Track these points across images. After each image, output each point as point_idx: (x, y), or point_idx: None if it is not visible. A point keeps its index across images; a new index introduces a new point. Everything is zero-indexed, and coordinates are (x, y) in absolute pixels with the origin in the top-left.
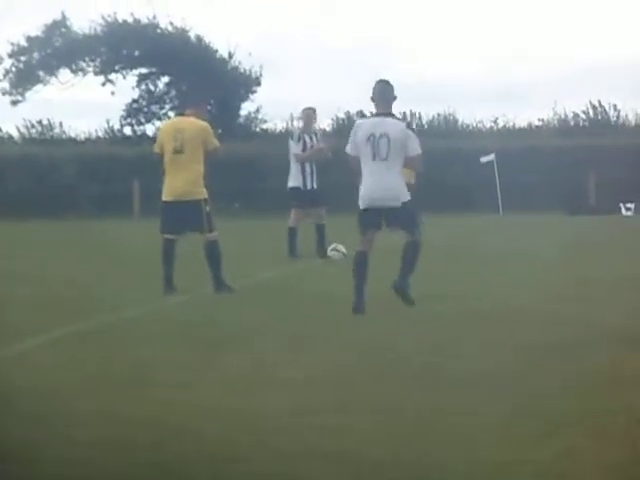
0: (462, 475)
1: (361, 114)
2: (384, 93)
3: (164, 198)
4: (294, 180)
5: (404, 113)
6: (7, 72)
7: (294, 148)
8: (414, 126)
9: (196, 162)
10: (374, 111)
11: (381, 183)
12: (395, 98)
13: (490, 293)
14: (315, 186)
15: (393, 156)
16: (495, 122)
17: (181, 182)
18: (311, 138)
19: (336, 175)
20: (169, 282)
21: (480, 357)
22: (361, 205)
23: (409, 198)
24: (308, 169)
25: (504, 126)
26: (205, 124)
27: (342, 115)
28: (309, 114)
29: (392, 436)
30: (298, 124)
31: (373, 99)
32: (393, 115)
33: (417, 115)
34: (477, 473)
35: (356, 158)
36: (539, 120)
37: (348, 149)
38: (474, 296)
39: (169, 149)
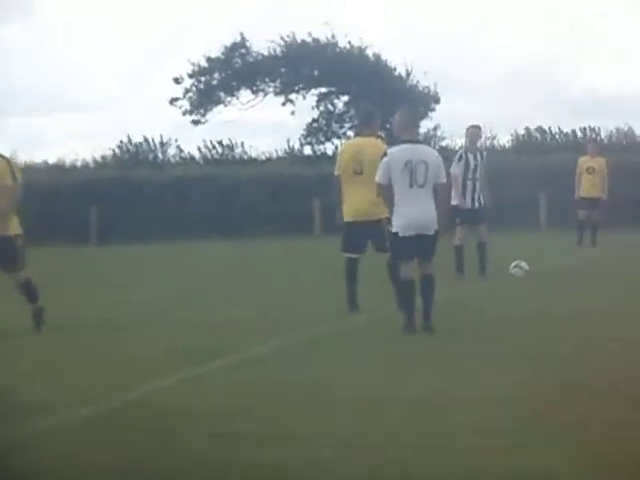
0: None
1: (541, 130)
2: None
3: (346, 219)
4: (454, 198)
5: (584, 128)
6: (187, 91)
7: (454, 168)
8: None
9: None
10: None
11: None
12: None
13: None
14: (476, 205)
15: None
16: None
17: (362, 202)
18: (475, 157)
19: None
20: (353, 300)
21: None
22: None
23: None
24: (470, 187)
25: None
26: (384, 147)
27: (522, 131)
28: (474, 132)
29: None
30: (464, 142)
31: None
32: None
33: (596, 129)
34: None
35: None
36: None
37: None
38: None
39: (349, 170)
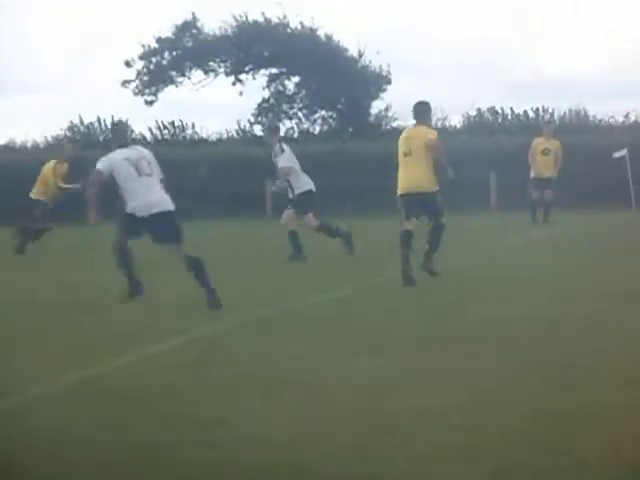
0: None
1: (492, 111)
2: None
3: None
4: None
5: (536, 109)
6: (139, 73)
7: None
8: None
9: None
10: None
11: None
12: None
13: None
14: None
15: None
16: (627, 117)
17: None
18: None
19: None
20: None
21: None
22: None
23: None
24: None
25: (635, 121)
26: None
27: (473, 112)
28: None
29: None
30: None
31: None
32: None
33: (550, 110)
34: None
35: None
36: None
37: None
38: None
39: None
